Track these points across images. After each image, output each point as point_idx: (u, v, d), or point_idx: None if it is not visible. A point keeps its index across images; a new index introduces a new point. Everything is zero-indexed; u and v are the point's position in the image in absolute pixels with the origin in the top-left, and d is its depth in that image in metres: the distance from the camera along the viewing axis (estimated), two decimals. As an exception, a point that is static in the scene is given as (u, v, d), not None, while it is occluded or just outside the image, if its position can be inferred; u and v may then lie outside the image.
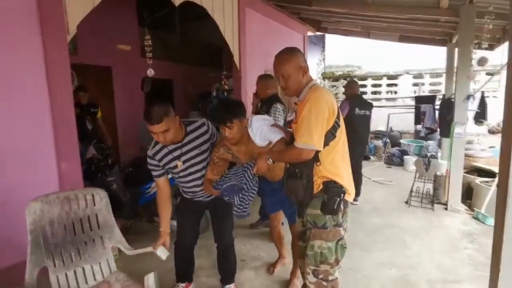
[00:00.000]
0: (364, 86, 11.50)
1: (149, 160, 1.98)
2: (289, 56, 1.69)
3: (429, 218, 3.91)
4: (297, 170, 1.68)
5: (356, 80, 7.47)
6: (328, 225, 1.68)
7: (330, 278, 1.72)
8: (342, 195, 1.65)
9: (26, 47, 2.42)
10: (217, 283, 2.48)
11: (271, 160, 1.72)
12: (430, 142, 6.92)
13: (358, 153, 4.23)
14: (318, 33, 8.70)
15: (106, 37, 5.22)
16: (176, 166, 1.96)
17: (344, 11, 5.64)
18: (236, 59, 4.95)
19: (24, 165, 2.45)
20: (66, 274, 1.80)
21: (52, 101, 2.56)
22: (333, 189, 1.64)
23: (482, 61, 4.45)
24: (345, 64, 12.95)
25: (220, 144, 1.99)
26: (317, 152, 1.61)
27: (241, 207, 1.79)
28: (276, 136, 1.85)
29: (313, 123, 1.54)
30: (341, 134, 1.69)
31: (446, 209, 4.15)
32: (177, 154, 1.95)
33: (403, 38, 7.04)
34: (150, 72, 4.20)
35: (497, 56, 6.08)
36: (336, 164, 1.67)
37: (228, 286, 2.37)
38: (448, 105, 5.26)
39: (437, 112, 6.51)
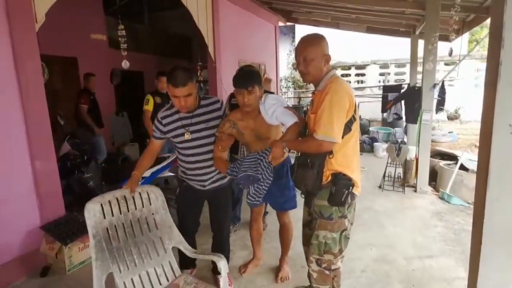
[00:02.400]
0: (333, 76, 11.79)
1: (155, 121, 1.98)
2: (315, 40, 1.65)
3: (401, 200, 4.16)
4: (308, 160, 1.66)
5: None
6: (334, 216, 1.69)
7: (333, 267, 1.75)
8: (350, 187, 1.64)
9: (-9, 37, 2.24)
10: (208, 273, 2.49)
11: (287, 148, 1.72)
12: (397, 129, 7.29)
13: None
14: (288, 23, 8.75)
15: (70, 26, 4.90)
16: (182, 135, 1.93)
17: (314, 1, 5.72)
18: (211, 50, 4.86)
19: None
20: (132, 279, 1.70)
21: (23, 94, 2.40)
22: (341, 181, 1.63)
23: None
24: (315, 54, 13.13)
25: (225, 119, 1.98)
26: None
27: (255, 196, 1.79)
28: (290, 120, 1.84)
29: (334, 115, 1.52)
30: (356, 127, 1.67)
31: (415, 191, 4.43)
32: (187, 123, 1.92)
33: (370, 29, 7.29)
34: (125, 64, 3.98)
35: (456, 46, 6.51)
36: (347, 157, 1.67)
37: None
38: (413, 93, 5.55)
39: (401, 101, 6.82)
